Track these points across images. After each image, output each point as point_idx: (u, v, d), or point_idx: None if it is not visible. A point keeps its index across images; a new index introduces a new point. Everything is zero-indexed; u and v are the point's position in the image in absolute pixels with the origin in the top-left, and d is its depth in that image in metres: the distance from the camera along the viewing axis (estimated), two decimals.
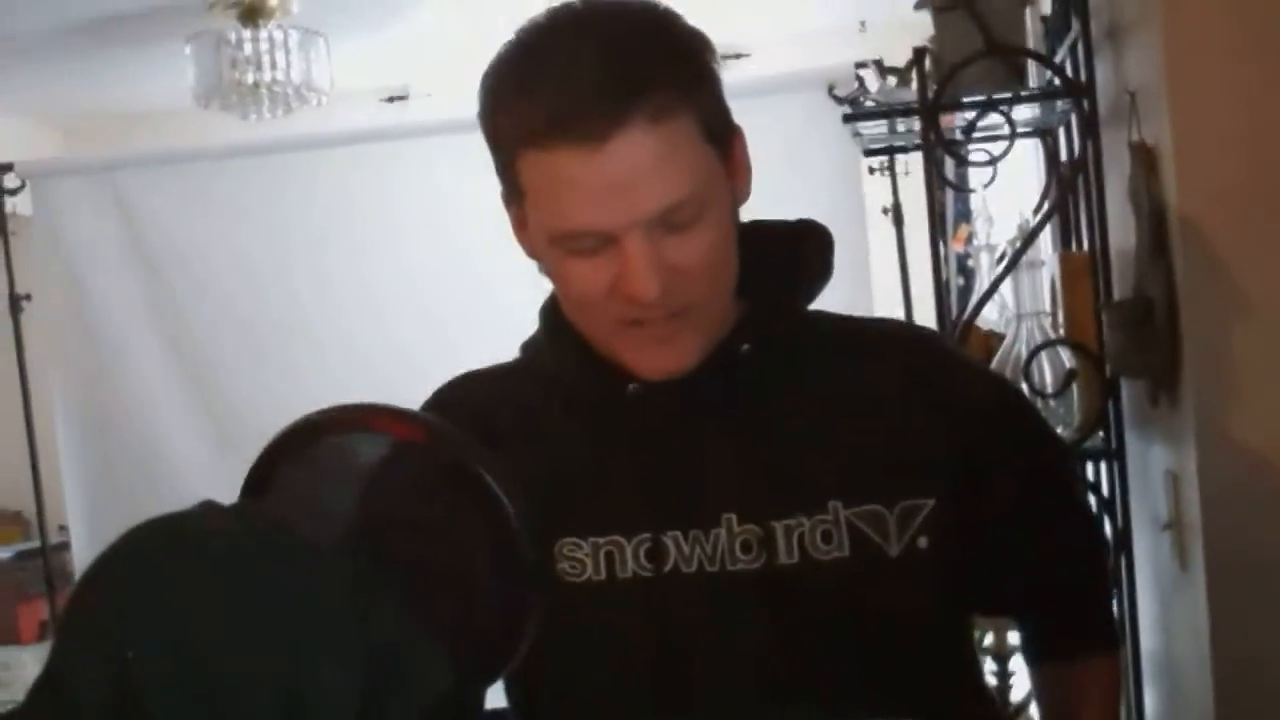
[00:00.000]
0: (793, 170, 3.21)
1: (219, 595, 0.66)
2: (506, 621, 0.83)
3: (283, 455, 0.85)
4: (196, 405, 3.75)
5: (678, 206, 1.16)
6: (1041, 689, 1.55)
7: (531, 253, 1.27)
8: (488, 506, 0.82)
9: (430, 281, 3.58)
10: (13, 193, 3.75)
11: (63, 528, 4.26)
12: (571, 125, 1.13)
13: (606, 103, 1.13)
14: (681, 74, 1.18)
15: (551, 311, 1.35)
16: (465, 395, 1.40)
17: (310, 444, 0.84)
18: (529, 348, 1.39)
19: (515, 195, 1.23)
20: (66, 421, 3.83)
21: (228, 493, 0.86)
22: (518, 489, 0.82)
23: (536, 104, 1.15)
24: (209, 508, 0.72)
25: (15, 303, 3.81)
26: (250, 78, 4.25)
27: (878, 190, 3.65)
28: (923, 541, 1.26)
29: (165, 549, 0.69)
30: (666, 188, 1.15)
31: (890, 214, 3.73)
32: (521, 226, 1.26)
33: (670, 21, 1.21)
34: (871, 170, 3.56)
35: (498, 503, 0.81)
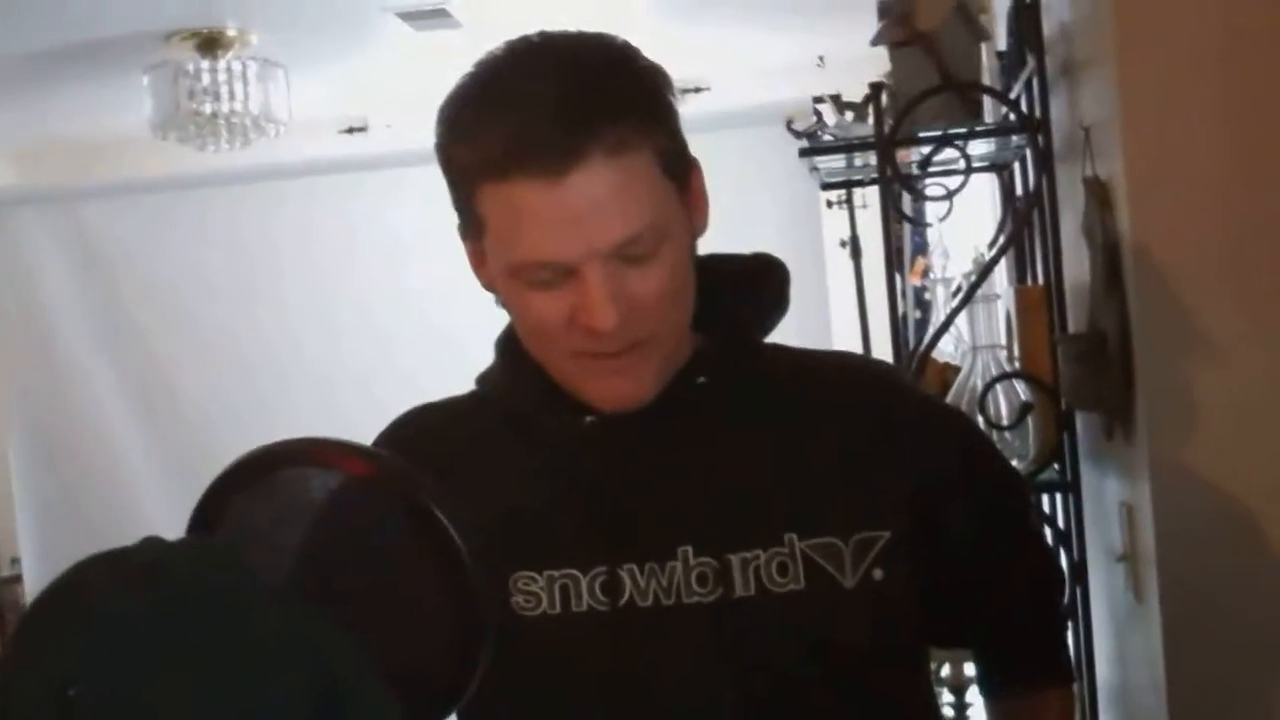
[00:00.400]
0: (751, 203, 3.24)
1: (164, 634, 0.65)
2: (458, 656, 0.83)
3: (233, 487, 0.84)
4: (153, 434, 3.73)
5: (636, 239, 1.17)
6: None
7: (489, 285, 1.27)
8: (439, 542, 0.81)
9: (388, 310, 3.59)
10: None
11: (15, 560, 4.22)
12: (530, 157, 1.13)
13: (565, 136, 1.13)
14: (640, 108, 1.19)
15: (507, 342, 1.34)
16: (420, 427, 1.40)
17: (261, 477, 0.84)
18: (485, 380, 1.39)
19: (473, 228, 1.23)
20: (20, 452, 3.80)
21: (184, 523, 0.86)
22: (468, 525, 0.82)
23: (495, 136, 1.15)
24: (155, 543, 0.71)
25: None
26: (208, 108, 4.22)
27: (835, 223, 3.67)
28: (878, 574, 1.26)
29: (110, 585, 0.68)
30: (625, 220, 1.16)
31: (848, 247, 3.74)
32: (479, 260, 1.26)
33: (628, 56, 1.21)
34: (830, 204, 3.57)
35: (448, 538, 0.81)
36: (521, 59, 1.19)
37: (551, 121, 1.13)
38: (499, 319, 1.34)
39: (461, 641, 0.83)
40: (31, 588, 3.88)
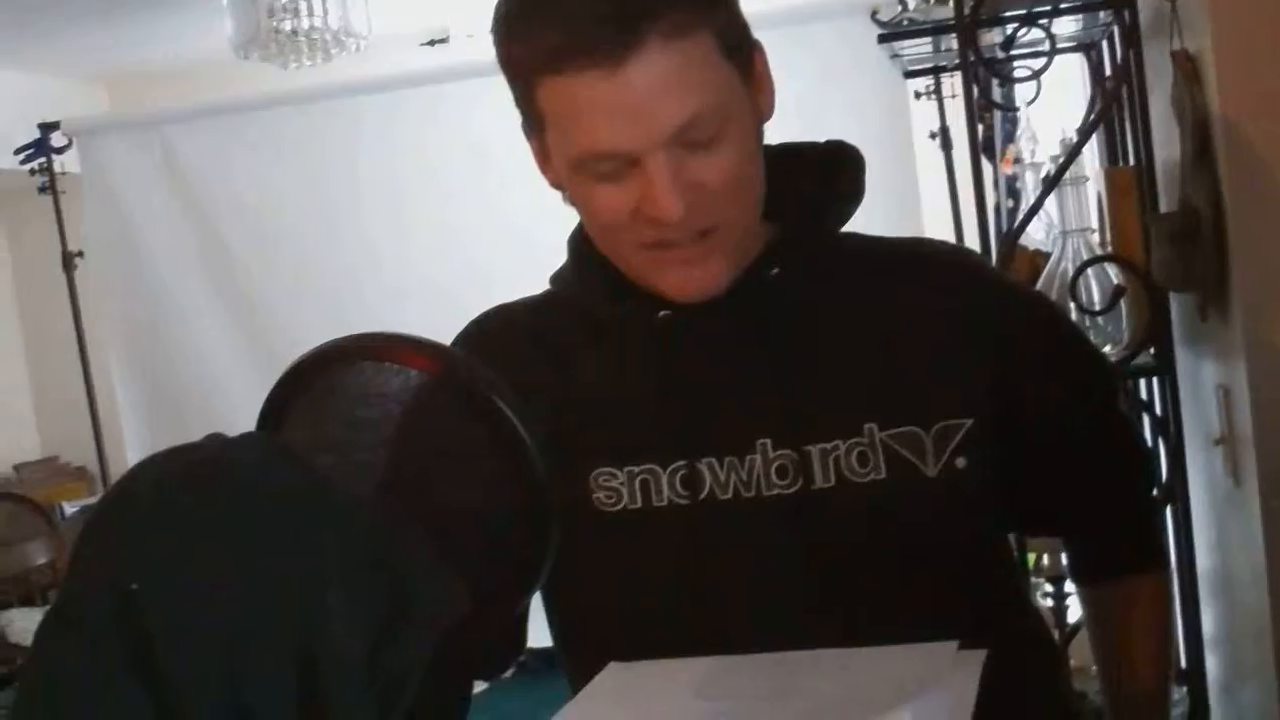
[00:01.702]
0: (837, 97, 3.18)
1: (224, 530, 0.66)
2: (527, 546, 0.83)
3: (302, 384, 0.85)
4: (250, 349, 3.79)
5: (697, 122, 1.15)
6: (1090, 608, 1.54)
7: (555, 182, 1.26)
8: (504, 434, 0.81)
9: (470, 223, 3.59)
10: (60, 151, 3.78)
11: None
12: (587, 48, 1.12)
13: (622, 23, 1.11)
14: None
15: (579, 241, 1.34)
16: (497, 328, 1.40)
17: (329, 374, 0.84)
18: (558, 279, 1.39)
19: (535, 124, 1.22)
20: (123, 375, 3.88)
21: None
22: (533, 417, 0.82)
23: (551, 30, 1.13)
24: (215, 440, 0.71)
25: (68, 261, 3.86)
26: (289, 25, 4.23)
27: (925, 115, 3.61)
28: (960, 461, 1.25)
29: (169, 482, 0.69)
30: (684, 104, 1.14)
31: (938, 138, 3.68)
32: (543, 157, 1.25)
33: None
34: (918, 95, 3.51)
35: (513, 430, 0.81)
36: None
37: (607, 10, 1.11)
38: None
39: (530, 529, 0.83)
40: None
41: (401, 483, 0.77)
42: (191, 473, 0.69)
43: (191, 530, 0.66)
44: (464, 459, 0.82)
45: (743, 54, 1.21)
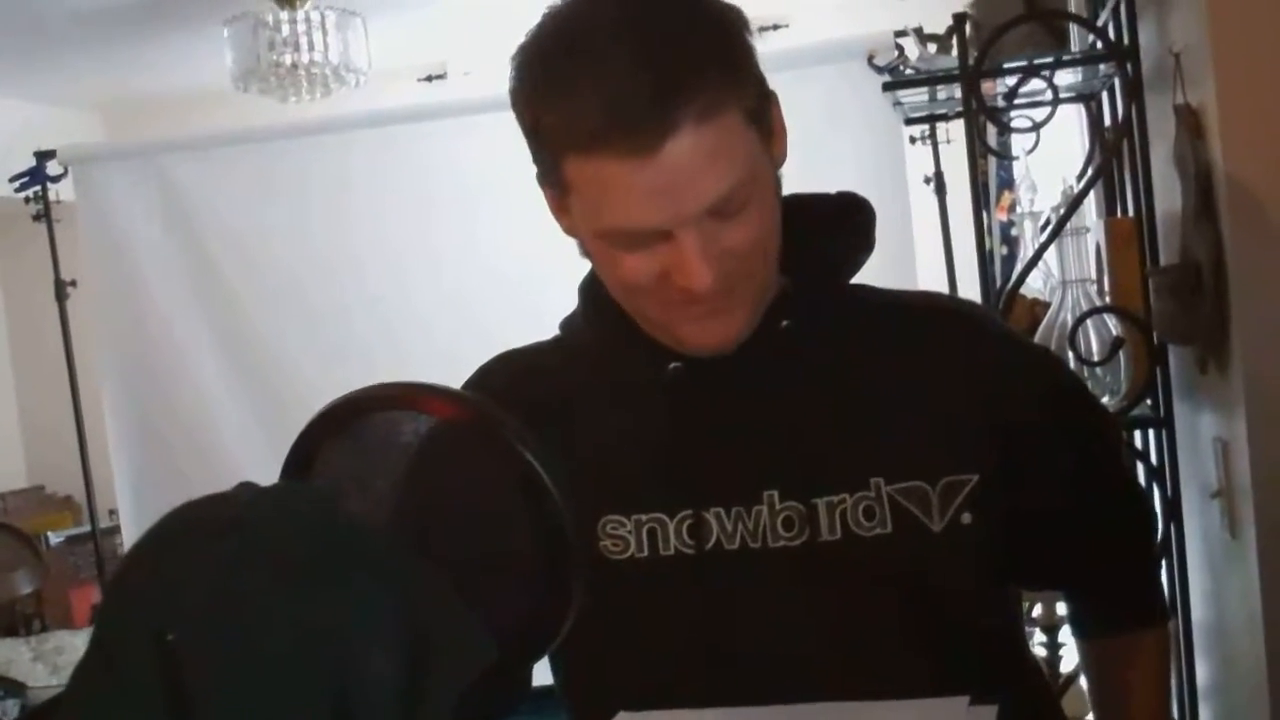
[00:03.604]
0: (834, 140, 3.19)
1: (256, 579, 0.66)
2: (551, 597, 0.83)
3: (326, 432, 0.84)
4: (243, 384, 3.77)
5: (729, 197, 1.15)
6: (1090, 662, 1.54)
7: (571, 232, 1.26)
8: (530, 485, 0.81)
9: (459, 258, 3.60)
10: (55, 179, 3.77)
11: (113, 512, 4.30)
12: (620, 134, 1.11)
13: (655, 109, 1.10)
14: (725, 63, 1.16)
15: (592, 289, 1.33)
16: (506, 374, 1.40)
17: (350, 422, 0.84)
18: (568, 325, 1.39)
19: (557, 186, 1.21)
20: (115, 405, 3.86)
21: (276, 472, 0.86)
22: (560, 467, 0.82)
23: (580, 109, 1.12)
24: (248, 489, 0.71)
25: (61, 289, 3.85)
26: (288, 59, 4.25)
27: (920, 159, 3.62)
28: (966, 517, 1.25)
29: (203, 531, 0.68)
30: (717, 182, 1.14)
31: (932, 183, 3.70)
32: (562, 209, 1.24)
33: (707, 1, 1.19)
34: (913, 139, 3.53)
35: (540, 481, 0.81)
36: (597, 14, 1.16)
37: (639, 96, 1.10)
38: (574, 267, 1.33)
39: (553, 583, 0.83)
40: (129, 538, 3.96)
41: (429, 532, 0.77)
42: (227, 523, 0.69)
43: (228, 580, 0.66)
44: (491, 510, 0.82)
45: (764, 115, 1.21)
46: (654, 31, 1.13)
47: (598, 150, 1.13)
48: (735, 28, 1.19)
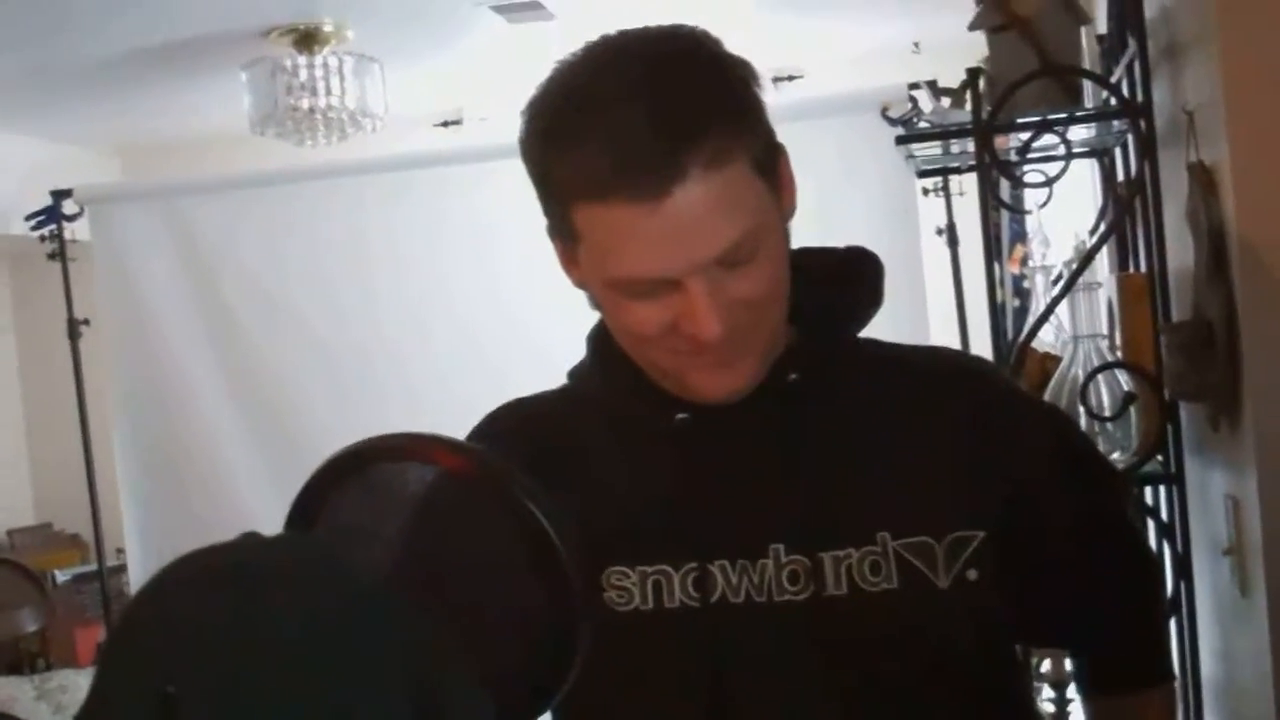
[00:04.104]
0: (846, 192, 3.20)
1: (258, 632, 0.66)
2: (555, 651, 0.83)
3: (330, 483, 0.84)
4: (253, 426, 3.78)
5: (737, 246, 1.16)
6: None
7: (580, 284, 1.26)
8: (534, 538, 0.81)
9: (473, 304, 3.60)
10: (70, 219, 3.79)
11: (120, 550, 4.30)
12: (629, 181, 1.12)
13: (663, 158, 1.11)
14: (732, 113, 1.17)
15: (600, 339, 1.34)
16: (513, 423, 1.40)
17: (356, 472, 0.84)
18: (576, 375, 1.39)
19: (567, 237, 1.22)
20: (124, 445, 3.86)
21: (281, 510, 0.86)
22: (565, 520, 0.82)
23: (591, 159, 1.13)
24: (250, 540, 0.71)
25: (74, 327, 3.86)
26: (306, 104, 4.27)
27: (932, 211, 3.63)
28: (972, 574, 1.24)
29: (204, 584, 0.68)
30: (726, 231, 1.14)
31: (945, 235, 3.70)
32: (571, 261, 1.25)
33: (714, 55, 1.19)
34: (926, 191, 3.54)
35: (544, 535, 0.81)
36: (606, 67, 1.17)
37: (648, 144, 1.11)
38: (585, 314, 1.33)
39: (558, 636, 0.82)
40: (136, 578, 3.95)
41: (433, 584, 0.77)
42: (230, 574, 0.68)
43: (229, 634, 0.65)
44: (495, 563, 0.82)
45: (772, 165, 1.22)
46: (663, 82, 1.14)
47: (606, 197, 1.13)
48: (744, 79, 1.19)
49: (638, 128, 1.11)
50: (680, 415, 1.26)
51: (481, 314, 3.60)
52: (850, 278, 1.34)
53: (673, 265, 1.15)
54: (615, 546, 1.26)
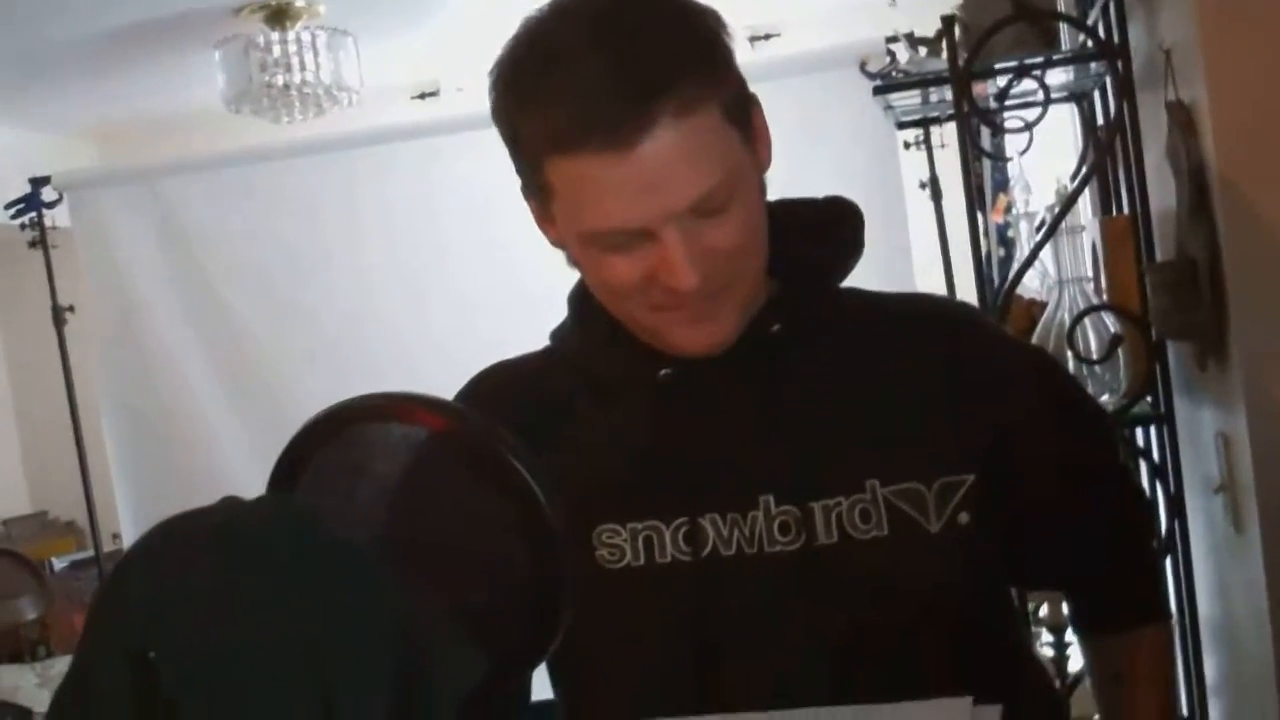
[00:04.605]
0: (827, 148, 3.19)
1: (239, 594, 0.65)
2: (542, 608, 0.82)
3: (312, 444, 0.84)
4: (242, 404, 3.76)
5: (710, 195, 1.15)
6: (1092, 660, 1.53)
7: (557, 243, 1.26)
8: (520, 495, 0.81)
9: (467, 273, 3.59)
10: (50, 205, 3.77)
11: (116, 536, 4.29)
12: (598, 132, 1.11)
13: (631, 106, 1.11)
14: (700, 61, 1.16)
15: (580, 298, 1.34)
16: (497, 384, 1.40)
17: (338, 433, 0.83)
18: (558, 336, 1.39)
19: (540, 193, 1.22)
20: (115, 430, 3.85)
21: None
22: (552, 479, 0.81)
23: (559, 112, 1.13)
24: (230, 503, 0.71)
25: (58, 315, 3.85)
26: (280, 80, 4.25)
27: (914, 164, 3.62)
28: (963, 517, 1.24)
29: (183, 548, 0.68)
30: (698, 179, 1.14)
31: (928, 188, 3.69)
32: (545, 219, 1.25)
33: (679, 2, 1.19)
34: (907, 145, 3.52)
35: (530, 492, 0.80)
36: (569, 21, 1.16)
37: (615, 94, 1.11)
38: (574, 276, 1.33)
39: (544, 593, 0.82)
40: None
41: (417, 544, 0.76)
42: (208, 537, 0.68)
43: (210, 597, 0.65)
44: (479, 521, 0.81)
45: (744, 114, 1.21)
46: (628, 33, 1.14)
47: (576, 150, 1.13)
48: (711, 27, 1.19)
49: (605, 79, 1.11)
50: (664, 370, 1.26)
51: (477, 283, 3.59)
52: (830, 227, 1.34)
53: (645, 215, 1.14)
54: (604, 504, 1.26)
